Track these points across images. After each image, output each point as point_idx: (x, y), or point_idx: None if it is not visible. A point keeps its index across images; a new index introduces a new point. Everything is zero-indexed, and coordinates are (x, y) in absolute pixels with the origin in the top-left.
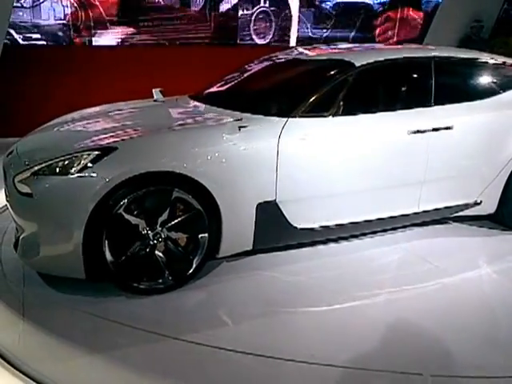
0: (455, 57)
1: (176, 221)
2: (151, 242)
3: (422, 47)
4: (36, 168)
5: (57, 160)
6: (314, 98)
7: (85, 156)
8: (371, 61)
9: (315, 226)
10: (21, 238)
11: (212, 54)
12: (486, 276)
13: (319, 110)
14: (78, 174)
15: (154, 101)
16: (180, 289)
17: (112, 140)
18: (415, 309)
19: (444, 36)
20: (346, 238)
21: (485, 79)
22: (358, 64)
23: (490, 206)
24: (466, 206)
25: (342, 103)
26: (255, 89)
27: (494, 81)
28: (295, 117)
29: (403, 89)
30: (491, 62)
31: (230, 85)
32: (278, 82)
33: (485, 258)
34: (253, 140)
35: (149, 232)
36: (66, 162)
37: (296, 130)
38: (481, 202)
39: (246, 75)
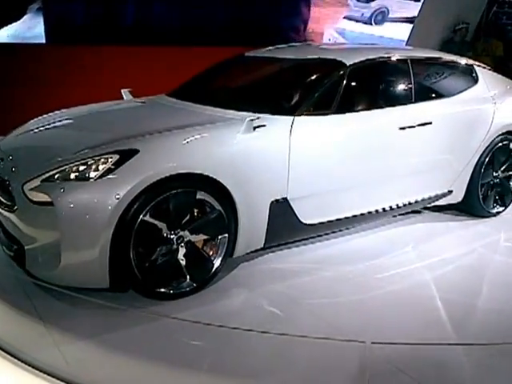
0: (430, 57)
1: (198, 223)
2: (174, 246)
3: (400, 47)
4: (48, 174)
5: (71, 165)
6: (314, 96)
7: (103, 160)
8: (362, 59)
9: (322, 220)
10: (27, 249)
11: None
12: (466, 255)
13: (320, 108)
14: (101, 179)
15: (140, 102)
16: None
17: (123, 142)
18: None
19: (427, 37)
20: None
21: (453, 77)
22: (348, 63)
23: (459, 195)
24: (442, 196)
25: (340, 101)
26: (252, 88)
27: (459, 79)
28: (300, 115)
29: (391, 87)
30: (458, 61)
31: (221, 84)
32: (276, 81)
33: (460, 241)
34: (267, 139)
35: (172, 236)
36: (83, 167)
37: (302, 128)
38: (452, 191)
39: (235, 74)
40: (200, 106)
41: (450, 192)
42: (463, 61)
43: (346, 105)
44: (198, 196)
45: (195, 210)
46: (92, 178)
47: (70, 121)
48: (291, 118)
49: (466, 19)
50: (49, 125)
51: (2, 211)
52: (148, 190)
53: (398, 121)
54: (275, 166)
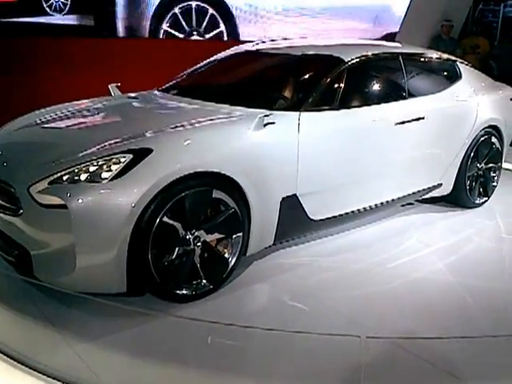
0: (418, 53)
1: (213, 222)
2: (191, 246)
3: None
4: (56, 176)
5: (81, 165)
6: (317, 92)
7: (115, 160)
8: (358, 55)
9: (329, 216)
10: (35, 254)
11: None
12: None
13: (323, 103)
14: (116, 180)
15: (133, 97)
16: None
17: (134, 141)
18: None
19: (414, 35)
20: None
21: (440, 73)
22: (346, 59)
23: (447, 187)
24: (433, 188)
25: (341, 97)
26: (255, 84)
27: (446, 75)
28: (305, 111)
29: (386, 82)
30: (443, 57)
31: (221, 80)
32: (278, 77)
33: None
34: (277, 135)
35: (189, 236)
36: (94, 168)
37: (309, 124)
38: (442, 184)
39: (235, 70)
40: (203, 102)
41: (440, 185)
42: (447, 57)
43: (346, 100)
44: (214, 195)
45: (212, 210)
46: (106, 178)
47: (68, 118)
48: (297, 113)
49: (452, 17)
50: (44, 122)
51: (3, 215)
52: (165, 190)
53: (395, 116)
54: (285, 162)
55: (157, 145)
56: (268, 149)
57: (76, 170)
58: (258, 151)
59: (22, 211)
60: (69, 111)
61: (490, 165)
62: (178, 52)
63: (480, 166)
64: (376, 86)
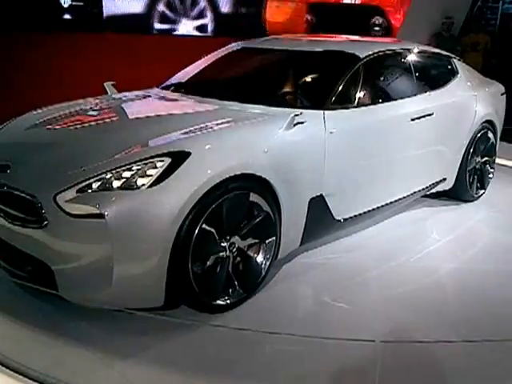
0: (422, 50)
1: (249, 227)
2: (227, 253)
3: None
4: (85, 183)
5: (114, 171)
6: (338, 90)
7: (150, 164)
8: (372, 52)
9: (351, 215)
10: (59, 269)
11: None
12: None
13: (344, 101)
14: (155, 187)
15: (138, 95)
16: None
17: (164, 143)
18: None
19: (415, 32)
20: None
21: (441, 69)
22: (362, 56)
23: (450, 182)
24: (439, 183)
25: (360, 94)
26: (274, 82)
27: (445, 71)
28: (328, 109)
29: (398, 79)
30: (442, 54)
31: (237, 78)
32: (296, 74)
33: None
34: (305, 134)
35: (225, 243)
36: (129, 173)
37: (333, 122)
38: (446, 178)
39: (248, 67)
40: (222, 101)
41: (444, 179)
42: (444, 53)
43: (364, 97)
44: (251, 198)
45: (249, 214)
46: (143, 185)
47: (77, 118)
48: (321, 112)
49: (453, 14)
50: (51, 122)
51: (15, 227)
52: (206, 195)
53: (409, 112)
54: (313, 162)
55: (194, 147)
56: (297, 149)
57: (108, 177)
58: (289, 151)
59: (46, 222)
60: (76, 111)
61: (486, 158)
62: (167, 48)
63: (477, 160)
64: (390, 83)
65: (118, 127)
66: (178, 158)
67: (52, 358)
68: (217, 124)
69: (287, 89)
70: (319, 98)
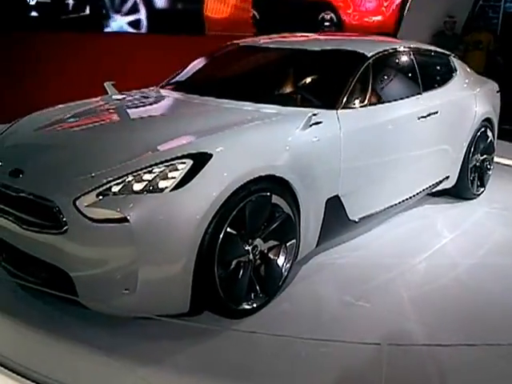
0: (425, 48)
1: (271, 229)
2: (250, 256)
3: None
4: (105, 186)
5: (135, 174)
6: (349, 89)
7: (172, 167)
8: (378, 51)
9: (365, 215)
10: (79, 276)
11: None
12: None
13: (354, 100)
14: (178, 190)
15: (144, 96)
16: None
17: (184, 144)
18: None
19: (417, 31)
20: None
21: (442, 68)
22: (369, 55)
23: (453, 180)
24: (442, 181)
25: (370, 93)
26: (285, 81)
27: (446, 69)
28: (341, 108)
29: (404, 77)
30: (441, 52)
31: (242, 76)
32: (306, 74)
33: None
34: (322, 134)
35: (248, 246)
36: (150, 176)
37: (347, 122)
38: (449, 176)
39: (256, 66)
40: (235, 101)
41: (448, 177)
42: (443, 51)
43: (374, 96)
44: (273, 200)
45: (270, 216)
46: (166, 188)
47: (88, 119)
48: (335, 111)
49: (455, 13)
50: (59, 124)
51: (28, 233)
52: (231, 198)
53: (416, 111)
54: (330, 162)
55: (215, 148)
56: (314, 149)
57: (128, 180)
58: (306, 152)
59: (66, 228)
60: (83, 112)
61: (485, 156)
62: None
63: (478, 158)
64: (396, 81)
65: (132, 128)
66: (200, 159)
67: (71, 366)
68: (235, 124)
69: (299, 88)
70: (332, 98)
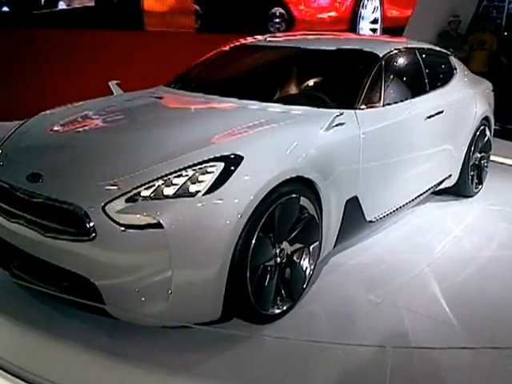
0: (429, 48)
1: (296, 232)
2: (278, 260)
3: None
4: (135, 191)
5: (165, 178)
6: (364, 89)
7: (202, 170)
8: (389, 50)
9: (380, 215)
10: (105, 285)
11: None
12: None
13: (370, 100)
14: (214, 193)
15: (154, 96)
16: None
17: (213, 147)
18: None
19: (422, 30)
20: None
21: (444, 67)
22: (381, 54)
23: (454, 178)
24: (445, 179)
25: (384, 93)
26: (301, 81)
27: (447, 68)
28: (358, 109)
29: (412, 77)
30: (443, 51)
31: (256, 76)
32: (321, 74)
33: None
34: (343, 134)
35: (276, 250)
36: (181, 180)
37: (365, 122)
38: (451, 175)
39: (269, 66)
40: (255, 101)
41: (450, 176)
42: (443, 50)
43: (388, 96)
44: (301, 202)
45: (298, 219)
46: (199, 191)
47: (102, 119)
48: (353, 111)
49: (460, 12)
50: (73, 125)
51: (49, 240)
52: (264, 201)
53: (425, 110)
54: (350, 163)
55: (246, 150)
56: (336, 149)
57: (158, 184)
58: (329, 152)
59: (94, 235)
60: (98, 112)
61: (483, 154)
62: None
63: (477, 156)
64: (405, 81)
65: (154, 129)
66: (232, 161)
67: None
68: (261, 125)
69: (318, 89)
70: (350, 98)
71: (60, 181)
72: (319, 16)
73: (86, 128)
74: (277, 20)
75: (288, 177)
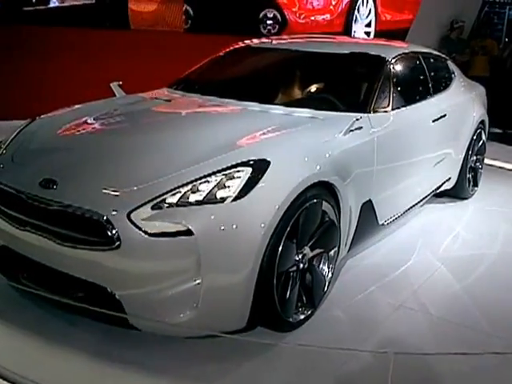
0: (430, 52)
1: (317, 237)
2: (301, 266)
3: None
4: (160, 199)
5: (190, 184)
6: (375, 93)
7: (230, 176)
8: (396, 54)
9: (392, 218)
10: (128, 295)
11: None
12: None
13: (381, 105)
14: (242, 200)
15: (163, 99)
16: None
17: (237, 152)
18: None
19: (424, 35)
20: None
21: (444, 71)
22: (389, 58)
23: (453, 180)
24: (445, 182)
25: (393, 96)
26: (312, 85)
27: (447, 73)
28: (371, 113)
29: (417, 80)
30: (442, 56)
31: (263, 80)
32: (331, 77)
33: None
34: (359, 138)
35: (299, 256)
36: (208, 186)
37: (376, 126)
38: (451, 177)
39: (276, 69)
40: (267, 105)
41: (450, 178)
42: (442, 55)
43: (397, 100)
44: (323, 207)
45: (319, 223)
46: (227, 197)
47: (115, 121)
48: (367, 115)
49: (462, 18)
50: (83, 127)
51: (65, 249)
52: (291, 206)
53: (431, 113)
54: (366, 167)
55: (272, 154)
56: (353, 153)
57: (184, 190)
58: (347, 156)
59: (118, 243)
60: (107, 114)
61: (478, 157)
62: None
63: (473, 159)
64: (412, 85)
65: (172, 133)
66: (259, 167)
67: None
68: (284, 129)
69: (332, 93)
70: (363, 102)
71: (77, 187)
72: (313, 18)
73: (98, 131)
74: (269, 22)
75: (314, 181)
